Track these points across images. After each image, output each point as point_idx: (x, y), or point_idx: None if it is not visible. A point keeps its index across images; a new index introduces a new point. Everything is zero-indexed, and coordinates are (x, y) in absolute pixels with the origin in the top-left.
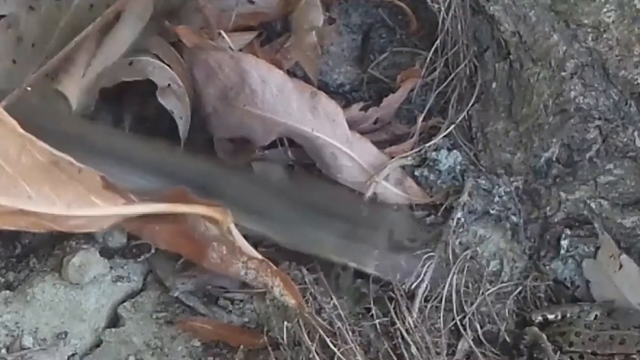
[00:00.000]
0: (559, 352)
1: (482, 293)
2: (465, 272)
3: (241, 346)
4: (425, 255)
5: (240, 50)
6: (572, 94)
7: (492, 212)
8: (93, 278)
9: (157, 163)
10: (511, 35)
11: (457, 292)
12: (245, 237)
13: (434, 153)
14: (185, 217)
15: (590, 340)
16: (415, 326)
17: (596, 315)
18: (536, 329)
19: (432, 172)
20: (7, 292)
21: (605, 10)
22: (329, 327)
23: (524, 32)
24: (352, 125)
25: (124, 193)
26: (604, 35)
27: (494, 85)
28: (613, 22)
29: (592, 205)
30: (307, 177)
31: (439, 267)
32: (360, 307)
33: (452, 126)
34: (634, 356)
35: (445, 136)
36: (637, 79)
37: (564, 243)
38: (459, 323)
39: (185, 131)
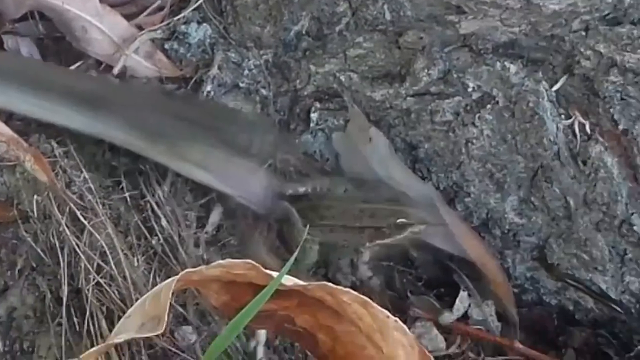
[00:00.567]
0: (308, 226)
1: None
2: None
3: None
4: None
5: None
6: None
7: (241, 85)
8: None
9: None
10: None
11: None
12: None
13: (183, 26)
14: None
15: (341, 213)
16: (166, 199)
17: (346, 189)
18: (286, 203)
19: (181, 46)
20: None
21: None
22: (79, 200)
23: None
24: None
25: None
26: None
27: None
28: None
29: (342, 78)
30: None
31: None
32: (110, 180)
33: None
34: (384, 229)
35: (195, 9)
36: None
37: (314, 116)
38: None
39: None
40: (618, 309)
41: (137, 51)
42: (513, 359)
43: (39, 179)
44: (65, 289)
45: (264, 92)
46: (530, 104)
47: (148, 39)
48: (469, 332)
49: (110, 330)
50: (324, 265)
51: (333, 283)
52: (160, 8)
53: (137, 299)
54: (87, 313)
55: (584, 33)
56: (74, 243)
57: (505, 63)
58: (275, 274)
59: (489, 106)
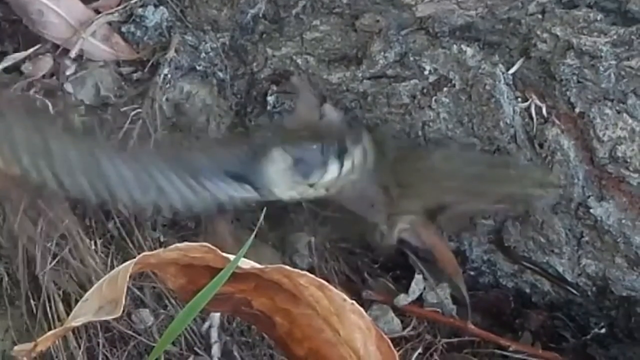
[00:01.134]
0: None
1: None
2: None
3: None
4: (133, 112)
5: None
6: None
7: (198, 68)
8: None
9: None
10: None
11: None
12: None
13: (140, 9)
14: None
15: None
16: None
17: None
18: None
19: (138, 29)
20: None
21: None
22: None
23: None
24: None
25: None
26: None
27: None
28: None
29: (299, 61)
30: None
31: None
32: None
33: None
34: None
35: None
36: None
37: (270, 99)
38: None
39: None
40: (574, 291)
41: (94, 34)
42: (468, 340)
43: None
44: (21, 272)
45: (220, 75)
46: (487, 87)
47: (105, 22)
48: (424, 314)
49: (68, 314)
50: (280, 247)
51: (290, 265)
52: None
53: (94, 283)
54: (44, 296)
55: (540, 16)
56: (31, 227)
57: (462, 46)
58: (232, 257)
59: (445, 89)
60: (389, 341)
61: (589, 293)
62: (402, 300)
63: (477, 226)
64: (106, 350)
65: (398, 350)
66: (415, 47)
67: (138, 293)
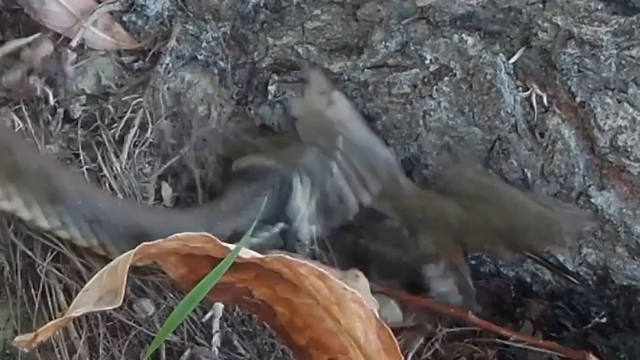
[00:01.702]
0: None
1: (192, 138)
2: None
3: None
4: (134, 101)
5: None
6: None
7: (199, 57)
8: None
9: None
10: None
11: (166, 137)
12: None
13: None
14: None
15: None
16: (124, 172)
17: None
18: None
19: (139, 18)
20: None
21: None
22: None
23: None
24: None
25: None
26: None
27: None
28: None
29: (300, 50)
30: None
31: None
32: (69, 152)
33: None
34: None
35: None
36: None
37: (272, 88)
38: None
39: None
40: (575, 281)
41: (96, 24)
42: (469, 330)
43: None
44: (19, 263)
45: (222, 64)
46: (488, 77)
47: (106, 11)
48: (425, 304)
49: (68, 303)
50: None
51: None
52: None
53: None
54: (44, 286)
55: (541, 5)
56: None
57: (463, 35)
58: (232, 246)
59: (446, 78)
60: (390, 330)
61: (590, 282)
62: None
63: None
64: (107, 340)
65: (399, 340)
66: (416, 36)
67: (139, 283)
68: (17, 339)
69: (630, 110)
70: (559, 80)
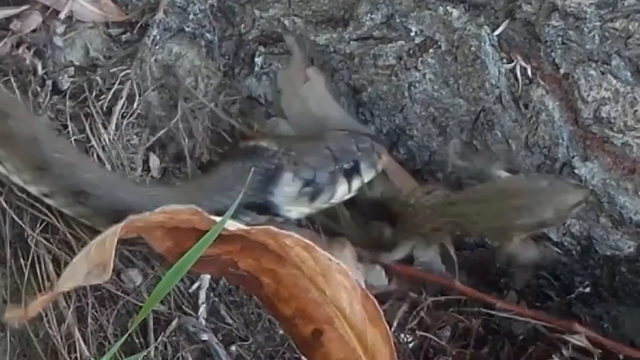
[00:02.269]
0: None
1: (179, 109)
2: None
3: None
4: (122, 73)
5: None
6: None
7: (187, 29)
8: None
9: None
10: None
11: (154, 108)
12: None
13: None
14: None
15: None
16: (112, 143)
17: None
18: None
19: None
20: None
21: None
22: None
23: None
24: None
25: None
26: None
27: None
28: None
29: (286, 22)
30: None
31: None
32: (57, 123)
33: None
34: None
35: None
36: None
37: (258, 60)
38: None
39: None
40: (559, 251)
41: None
42: (454, 299)
43: None
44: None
45: (209, 36)
46: (473, 48)
47: None
48: (411, 272)
49: (57, 274)
50: None
51: None
52: None
53: (82, 246)
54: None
55: None
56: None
57: (448, 7)
58: (218, 218)
59: (431, 50)
60: (375, 300)
61: (574, 252)
62: (392, 256)
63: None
64: (95, 310)
65: (384, 308)
66: (402, 8)
67: (127, 253)
68: (7, 314)
69: (614, 81)
70: (543, 52)
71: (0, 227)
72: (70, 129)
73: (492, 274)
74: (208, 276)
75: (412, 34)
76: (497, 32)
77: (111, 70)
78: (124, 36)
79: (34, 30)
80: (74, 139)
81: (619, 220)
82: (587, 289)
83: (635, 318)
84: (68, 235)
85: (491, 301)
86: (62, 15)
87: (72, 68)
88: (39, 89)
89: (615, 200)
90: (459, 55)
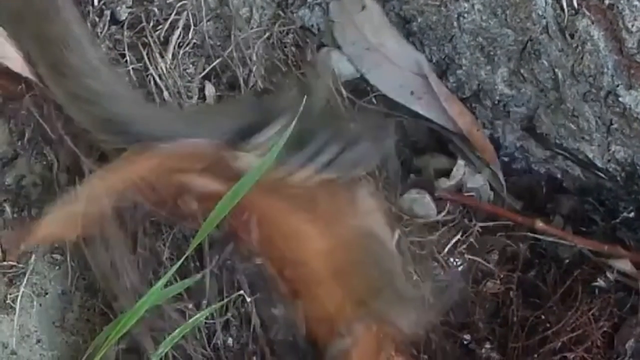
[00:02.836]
0: None
1: (233, 39)
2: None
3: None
4: (178, 4)
5: None
6: None
7: None
8: None
9: None
10: None
11: (209, 38)
12: None
13: None
14: None
15: None
16: (168, 72)
17: None
18: None
19: None
20: None
21: None
22: None
23: None
24: None
25: None
26: None
27: None
28: None
29: None
30: None
31: None
32: (115, 53)
33: None
34: None
35: None
36: None
37: None
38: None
39: None
40: (604, 176)
41: None
42: (502, 224)
43: None
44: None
45: None
46: None
47: None
48: (461, 199)
49: None
50: None
51: None
52: None
53: None
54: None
55: None
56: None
57: None
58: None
59: None
60: None
61: (618, 178)
62: (443, 184)
63: (510, 114)
64: (151, 235)
65: (435, 234)
66: None
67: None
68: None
69: None
70: None
71: (56, 154)
72: (128, 58)
73: (539, 199)
74: None
75: None
76: None
77: (168, 1)
78: None
79: None
80: (132, 68)
81: None
82: (632, 214)
83: None
84: None
85: (538, 226)
86: None
87: None
88: (97, 19)
89: None
90: None
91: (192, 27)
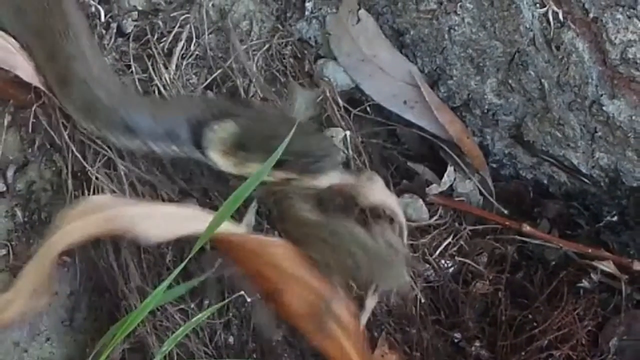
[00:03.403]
0: None
1: (234, 51)
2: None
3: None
4: (182, 17)
5: None
6: None
7: None
8: None
9: None
10: None
11: (211, 50)
12: None
13: None
14: None
15: None
16: (172, 82)
17: None
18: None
19: None
20: None
21: None
22: None
23: None
24: None
25: None
26: None
27: None
28: None
29: None
30: None
31: None
32: (121, 64)
33: None
34: None
35: None
36: None
37: (309, 5)
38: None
39: None
40: (589, 182)
41: None
42: (491, 228)
43: None
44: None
45: None
46: None
47: None
48: (452, 204)
49: None
50: None
51: None
52: None
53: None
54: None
55: None
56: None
57: None
58: None
59: None
60: None
61: (602, 184)
62: (434, 189)
63: (498, 122)
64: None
65: (426, 237)
66: None
67: (184, 185)
68: None
69: None
70: None
71: (64, 160)
72: (133, 69)
73: (526, 203)
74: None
75: None
76: None
77: (172, 15)
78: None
79: None
80: (137, 78)
81: None
82: (615, 218)
83: None
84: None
85: (525, 230)
86: None
87: (136, 12)
88: (104, 32)
89: None
90: (496, 0)
91: (195, 39)
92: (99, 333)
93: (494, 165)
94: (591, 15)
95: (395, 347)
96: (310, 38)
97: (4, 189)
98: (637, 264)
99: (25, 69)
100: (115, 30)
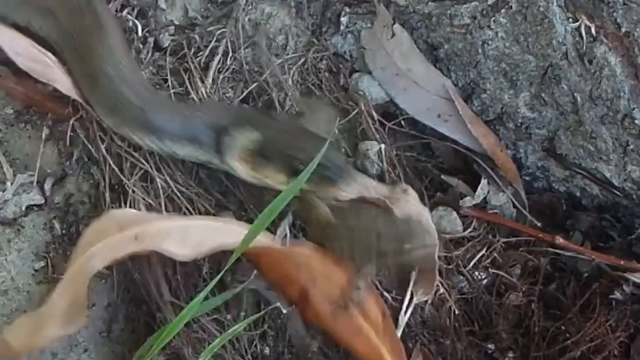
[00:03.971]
0: None
1: (270, 65)
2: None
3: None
4: (218, 31)
5: None
6: None
7: None
8: None
9: None
10: None
11: (247, 64)
12: None
13: None
14: None
15: None
16: (209, 95)
17: None
18: None
19: None
20: None
21: None
22: None
23: None
24: None
25: None
26: None
27: None
28: None
29: None
30: None
31: None
32: (158, 78)
33: None
34: None
35: None
36: None
37: (344, 20)
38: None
39: None
40: (621, 195)
41: None
42: (524, 240)
43: None
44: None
45: None
46: (541, 9)
47: None
48: (485, 216)
49: None
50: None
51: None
52: None
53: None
54: (131, 202)
55: None
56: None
57: None
58: None
59: (503, 10)
60: None
61: (634, 196)
62: (468, 202)
63: (531, 135)
64: None
65: (460, 249)
66: None
67: (219, 196)
68: None
69: None
70: (605, 12)
71: (102, 173)
72: (170, 83)
73: (559, 216)
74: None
75: None
76: None
77: (208, 29)
78: None
79: None
80: (174, 92)
81: None
82: None
83: None
84: (162, 182)
85: (558, 242)
86: None
87: (173, 27)
88: (141, 46)
89: None
90: (529, 15)
91: (231, 54)
92: (136, 344)
93: (527, 178)
94: (623, 29)
95: (429, 358)
96: (345, 52)
97: (42, 201)
98: None
99: (63, 82)
100: (152, 45)
